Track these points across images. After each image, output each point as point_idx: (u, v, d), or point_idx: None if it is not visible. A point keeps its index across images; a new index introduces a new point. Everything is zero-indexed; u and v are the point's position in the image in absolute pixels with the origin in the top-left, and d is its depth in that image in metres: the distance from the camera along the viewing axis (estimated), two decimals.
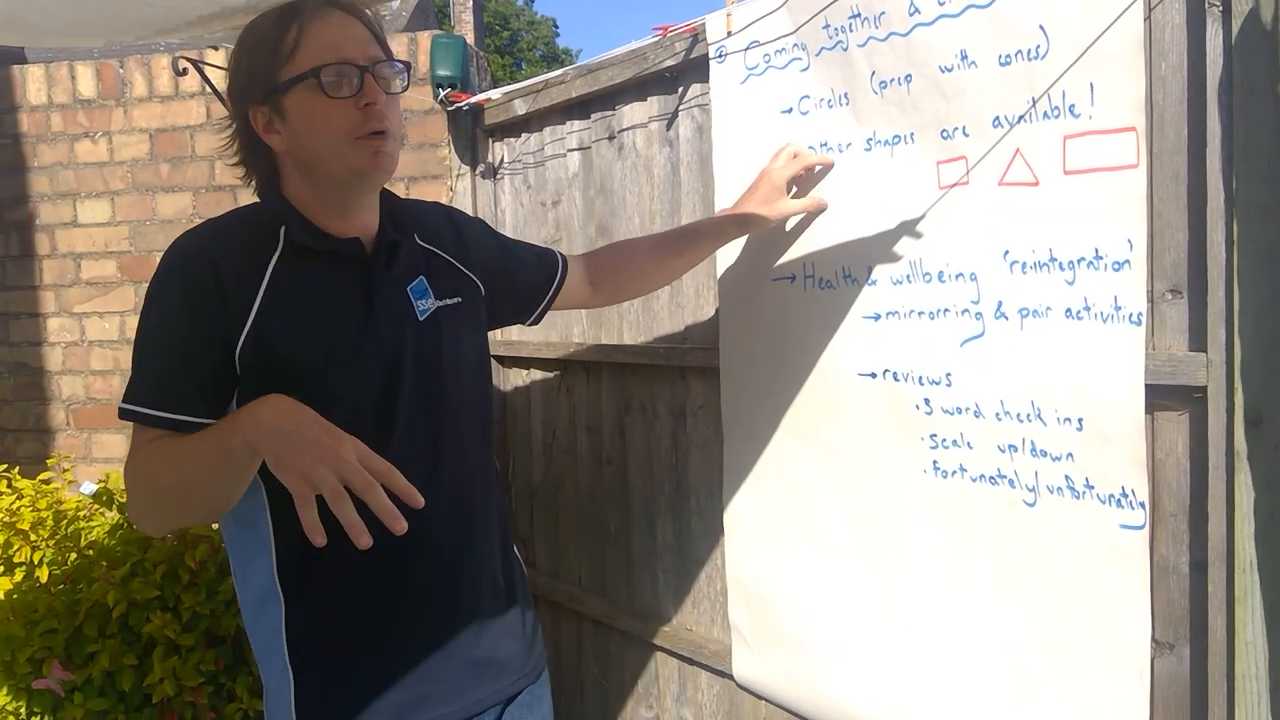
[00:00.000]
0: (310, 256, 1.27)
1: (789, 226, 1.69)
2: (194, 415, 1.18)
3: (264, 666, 1.33)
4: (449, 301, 1.38)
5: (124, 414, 1.20)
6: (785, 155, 1.62)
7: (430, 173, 2.85)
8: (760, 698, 1.88)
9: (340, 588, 1.28)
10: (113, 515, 2.64)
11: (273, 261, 1.24)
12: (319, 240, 1.27)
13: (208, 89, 2.77)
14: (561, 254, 1.64)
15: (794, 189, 1.66)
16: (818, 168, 1.62)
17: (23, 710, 2.33)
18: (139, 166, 3.14)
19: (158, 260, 1.24)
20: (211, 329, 1.19)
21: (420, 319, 1.33)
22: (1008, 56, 1.33)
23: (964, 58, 1.38)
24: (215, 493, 1.17)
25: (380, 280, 1.30)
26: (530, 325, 1.66)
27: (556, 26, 33.80)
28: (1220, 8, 1.15)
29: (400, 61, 1.27)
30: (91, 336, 3.24)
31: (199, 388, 1.19)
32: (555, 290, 1.61)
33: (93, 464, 3.31)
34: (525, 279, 1.58)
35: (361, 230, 1.31)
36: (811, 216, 1.65)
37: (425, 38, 2.79)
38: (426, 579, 1.32)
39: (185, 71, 2.76)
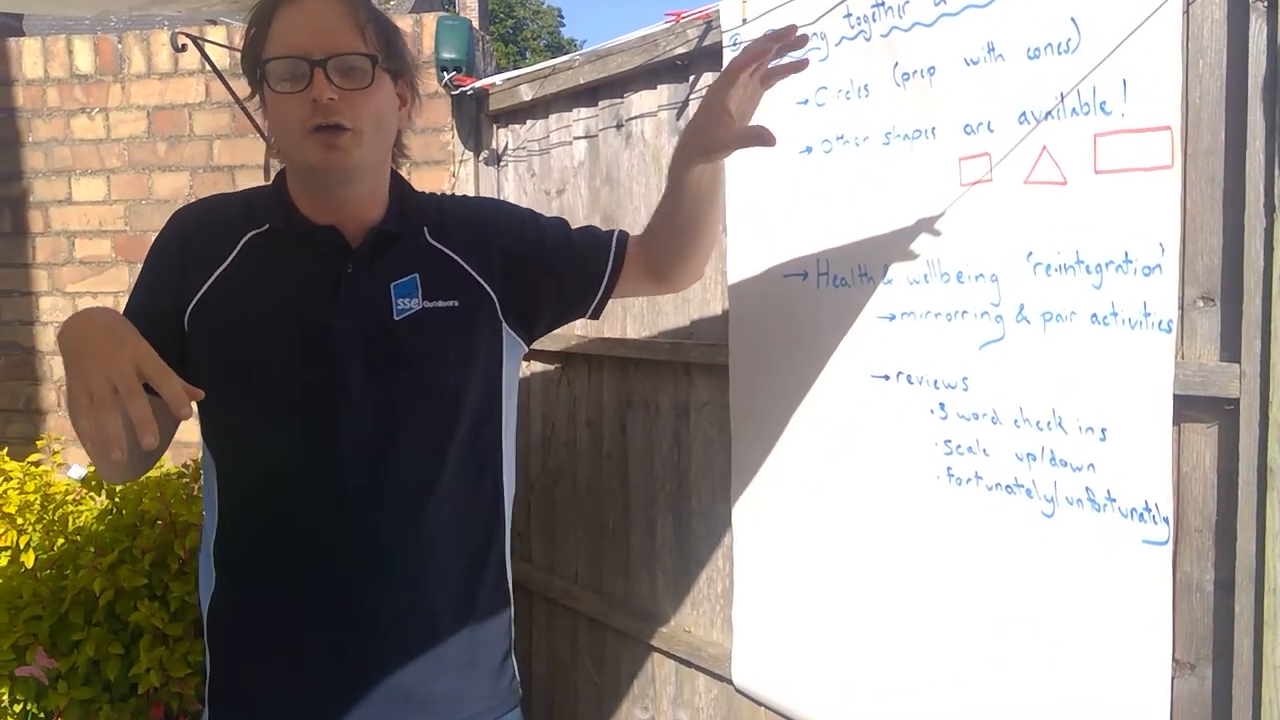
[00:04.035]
0: (288, 240, 1.28)
1: (802, 219, 1.62)
2: None
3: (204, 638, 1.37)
4: (442, 304, 1.29)
5: None
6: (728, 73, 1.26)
7: (433, 158, 2.79)
8: (759, 704, 1.84)
9: (261, 578, 1.29)
10: (102, 500, 2.59)
11: (246, 238, 1.28)
12: (292, 224, 1.28)
13: (208, 67, 2.72)
14: (621, 245, 1.44)
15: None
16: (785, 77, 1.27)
17: (5, 697, 2.28)
18: (136, 144, 3.08)
19: (152, 240, 1.28)
20: (164, 291, 1.26)
21: (396, 318, 1.26)
22: (1036, 50, 1.28)
23: (990, 50, 1.33)
24: None
25: (357, 272, 1.27)
26: (591, 319, 1.49)
27: (562, 16, 33.72)
28: (1265, 2, 1.09)
29: (364, 54, 1.18)
30: None
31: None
32: (608, 286, 1.43)
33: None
34: (572, 277, 1.42)
35: (347, 220, 1.28)
36: (826, 211, 1.59)
37: (430, 19, 2.73)
38: (351, 592, 1.26)
39: (184, 47, 2.71)
